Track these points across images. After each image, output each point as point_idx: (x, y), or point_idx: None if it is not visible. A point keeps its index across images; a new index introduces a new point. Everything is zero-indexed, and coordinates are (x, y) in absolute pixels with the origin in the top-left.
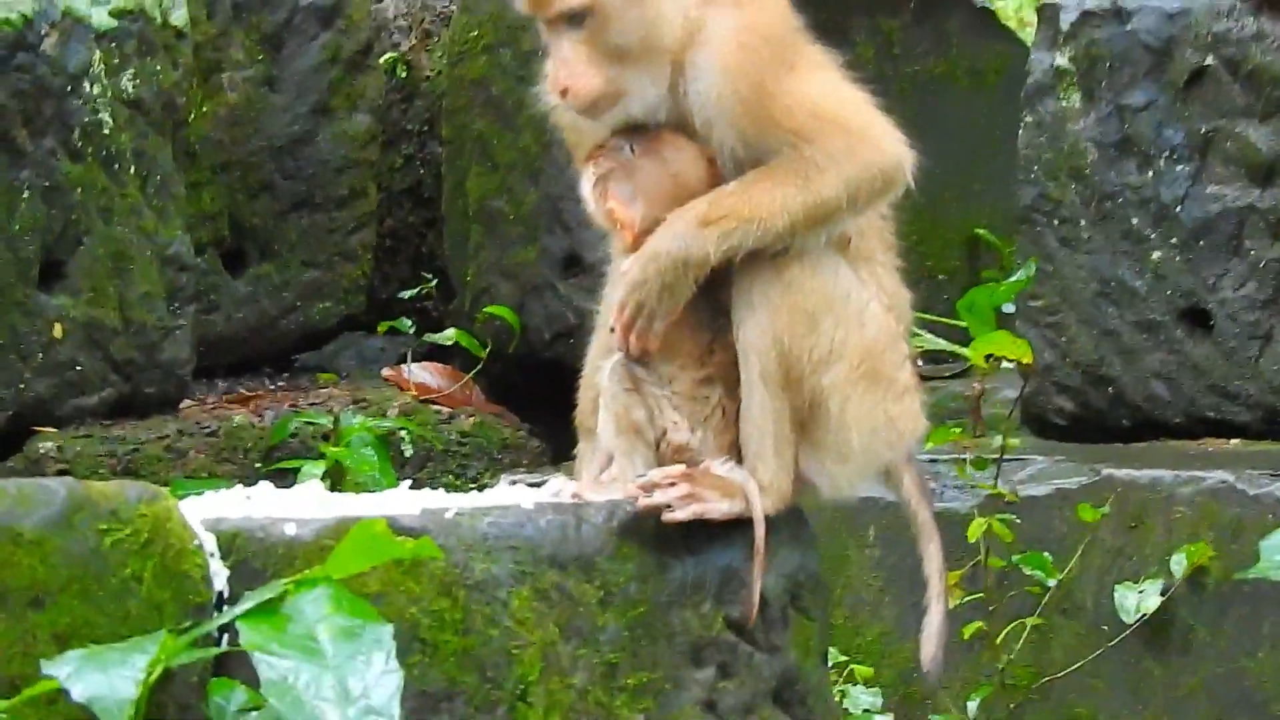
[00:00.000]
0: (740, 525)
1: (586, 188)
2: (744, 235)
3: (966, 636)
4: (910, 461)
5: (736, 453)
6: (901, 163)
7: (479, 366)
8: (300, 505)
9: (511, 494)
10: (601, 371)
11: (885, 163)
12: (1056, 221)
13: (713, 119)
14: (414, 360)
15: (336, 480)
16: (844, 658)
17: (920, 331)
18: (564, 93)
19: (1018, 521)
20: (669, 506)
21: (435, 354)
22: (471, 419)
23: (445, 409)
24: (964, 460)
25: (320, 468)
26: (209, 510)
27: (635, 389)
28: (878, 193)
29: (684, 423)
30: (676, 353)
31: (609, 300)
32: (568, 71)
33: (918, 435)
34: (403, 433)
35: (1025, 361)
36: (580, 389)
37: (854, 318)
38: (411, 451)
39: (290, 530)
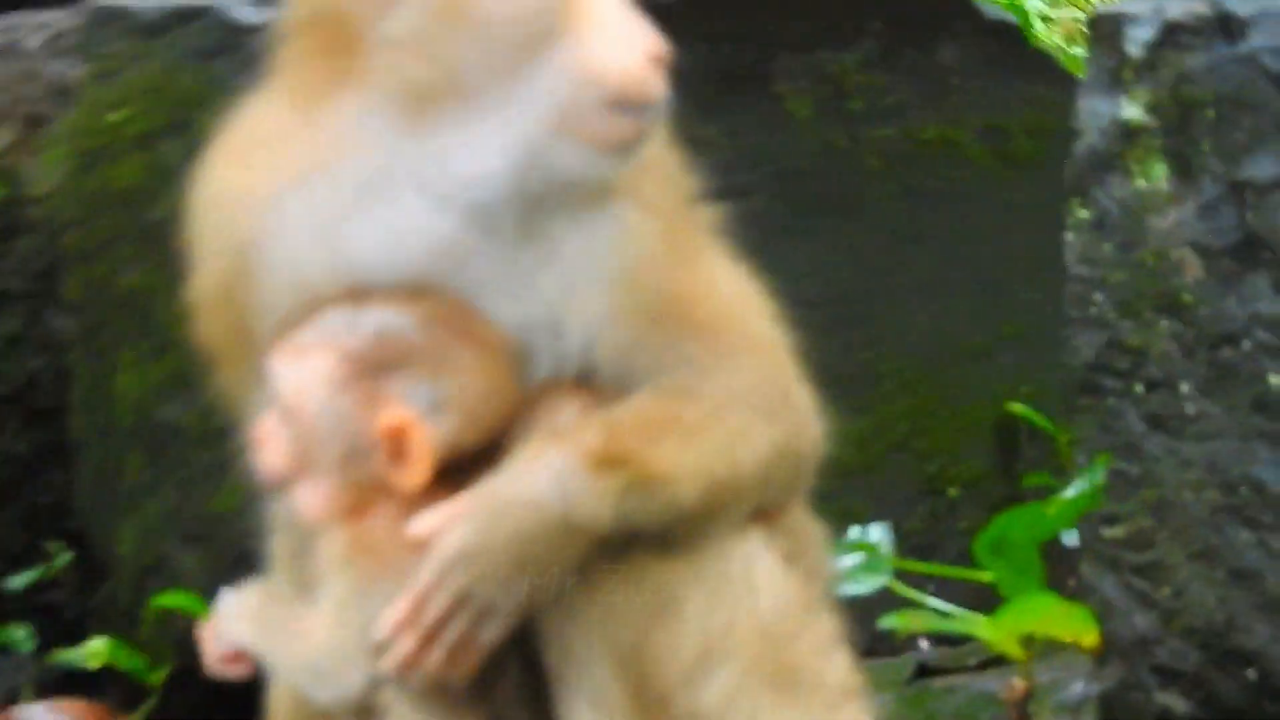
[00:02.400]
0: None
1: (309, 388)
2: (650, 502)
3: None
4: None
5: None
6: (820, 440)
7: (150, 703)
8: None
9: None
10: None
11: (811, 433)
12: (1141, 387)
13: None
14: (34, 695)
15: None
16: None
17: (915, 595)
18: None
19: None
20: None
21: (70, 683)
22: None
23: None
24: None
25: None
26: None
27: None
28: (791, 480)
29: None
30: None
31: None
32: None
33: None
34: None
35: (1087, 643)
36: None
37: (739, 587)
38: None
39: None
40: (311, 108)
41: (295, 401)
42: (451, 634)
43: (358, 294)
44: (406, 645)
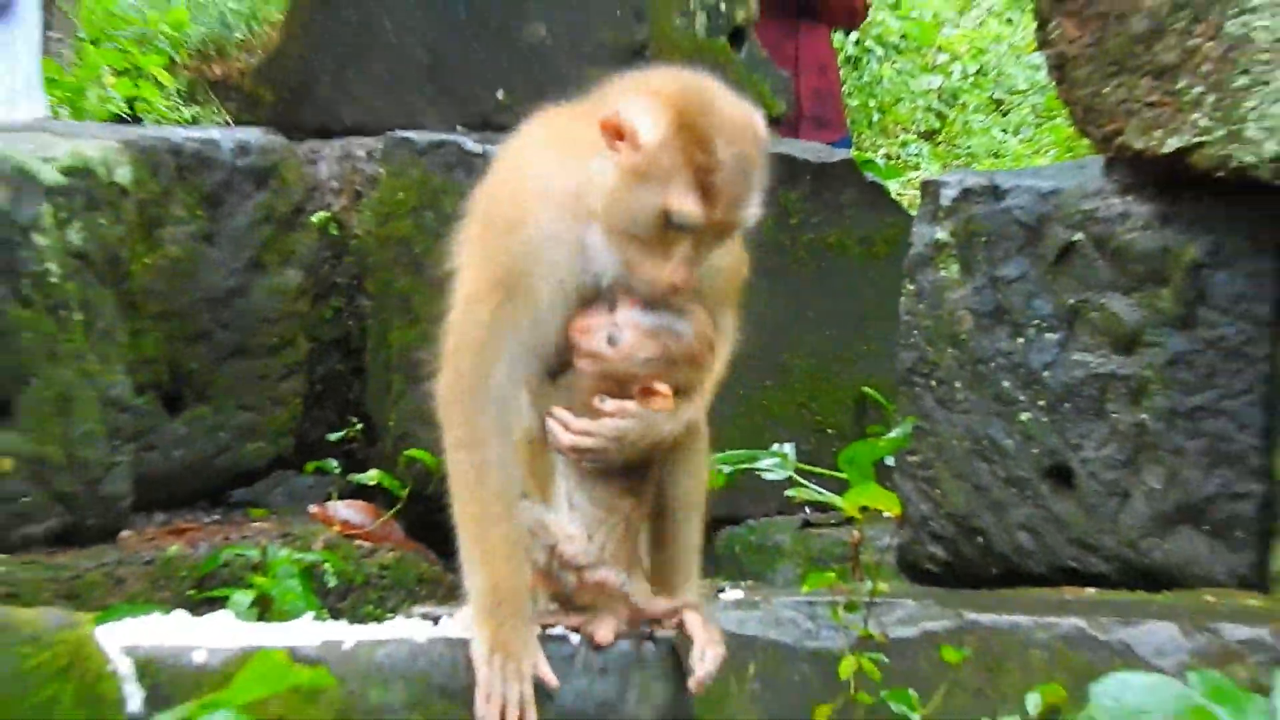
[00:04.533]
0: (615, 656)
1: (597, 350)
2: (692, 426)
3: None
4: None
5: (633, 565)
6: None
7: (399, 506)
8: (210, 633)
9: (409, 627)
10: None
11: None
12: (934, 383)
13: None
14: (339, 498)
15: (264, 608)
16: None
17: (805, 482)
18: (672, 288)
19: (886, 661)
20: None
21: (359, 493)
22: (391, 554)
23: (366, 544)
24: (838, 603)
25: (249, 596)
26: (127, 636)
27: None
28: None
29: (581, 533)
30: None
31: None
32: (686, 271)
33: None
34: (326, 565)
35: (894, 513)
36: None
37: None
38: (334, 583)
39: (199, 658)
40: (574, 164)
41: (589, 356)
42: (592, 452)
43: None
44: (568, 439)
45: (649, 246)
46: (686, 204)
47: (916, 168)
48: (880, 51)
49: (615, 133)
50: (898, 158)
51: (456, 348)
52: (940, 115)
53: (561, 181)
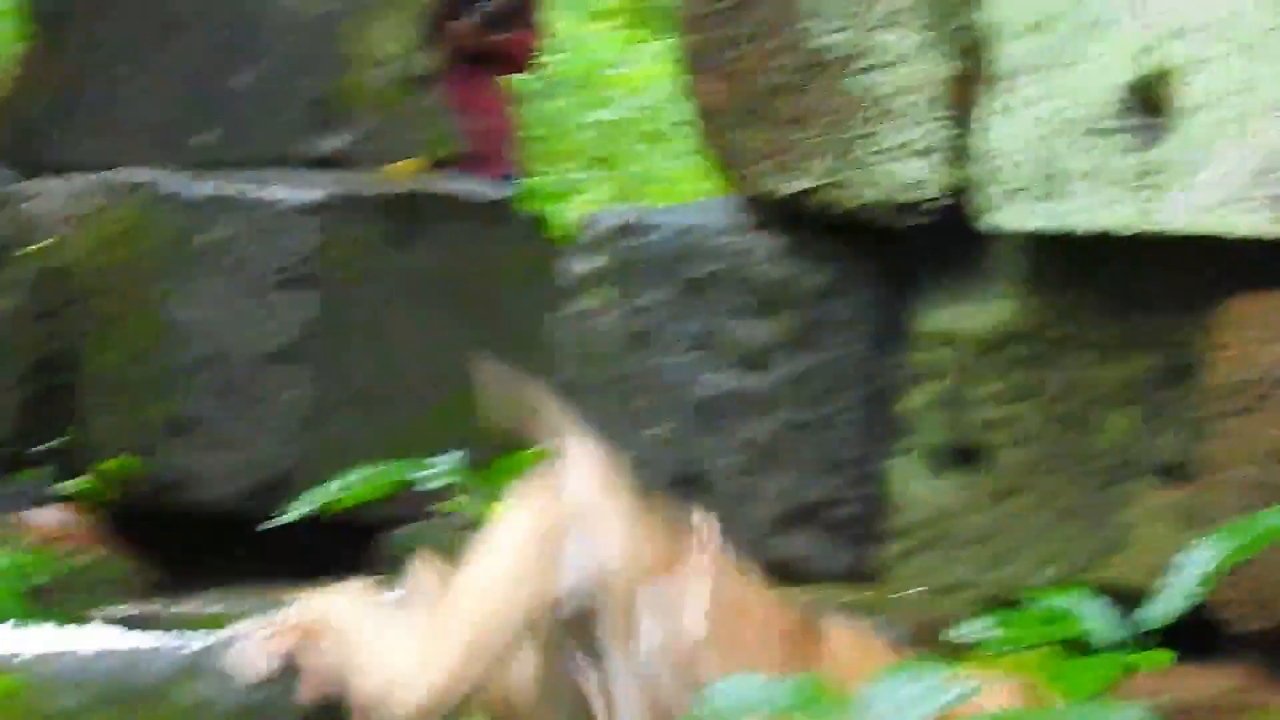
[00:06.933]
0: None
1: None
2: None
3: None
4: None
5: None
6: None
7: (101, 511)
8: None
9: (102, 634)
10: None
11: None
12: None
13: None
14: (48, 504)
15: None
16: None
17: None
18: None
19: None
20: None
21: (66, 499)
22: (91, 555)
23: (70, 545)
24: None
25: None
26: None
27: None
28: None
29: None
30: None
31: None
32: None
33: None
34: (30, 565)
35: None
36: None
37: None
38: (39, 581)
39: None
40: None
41: None
42: None
43: None
44: None
45: None
46: None
47: (584, 193)
48: (551, 89)
49: None
50: (568, 185)
51: None
52: (606, 145)
53: None
